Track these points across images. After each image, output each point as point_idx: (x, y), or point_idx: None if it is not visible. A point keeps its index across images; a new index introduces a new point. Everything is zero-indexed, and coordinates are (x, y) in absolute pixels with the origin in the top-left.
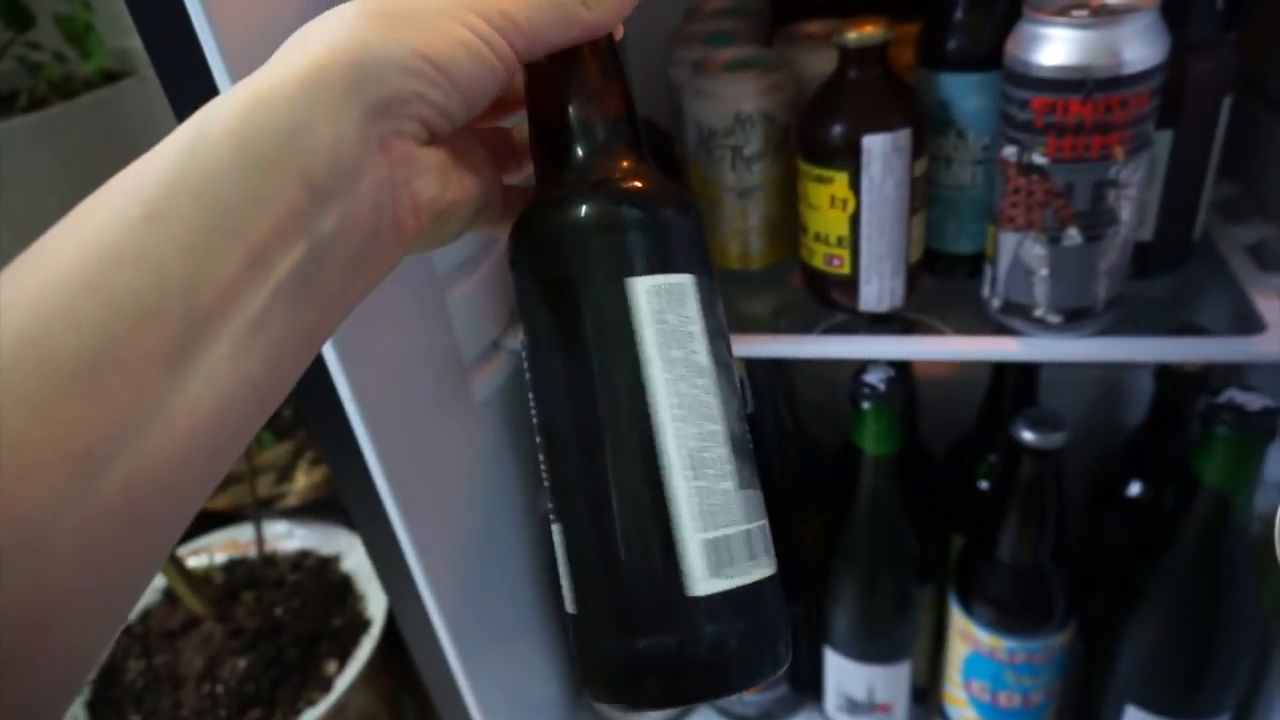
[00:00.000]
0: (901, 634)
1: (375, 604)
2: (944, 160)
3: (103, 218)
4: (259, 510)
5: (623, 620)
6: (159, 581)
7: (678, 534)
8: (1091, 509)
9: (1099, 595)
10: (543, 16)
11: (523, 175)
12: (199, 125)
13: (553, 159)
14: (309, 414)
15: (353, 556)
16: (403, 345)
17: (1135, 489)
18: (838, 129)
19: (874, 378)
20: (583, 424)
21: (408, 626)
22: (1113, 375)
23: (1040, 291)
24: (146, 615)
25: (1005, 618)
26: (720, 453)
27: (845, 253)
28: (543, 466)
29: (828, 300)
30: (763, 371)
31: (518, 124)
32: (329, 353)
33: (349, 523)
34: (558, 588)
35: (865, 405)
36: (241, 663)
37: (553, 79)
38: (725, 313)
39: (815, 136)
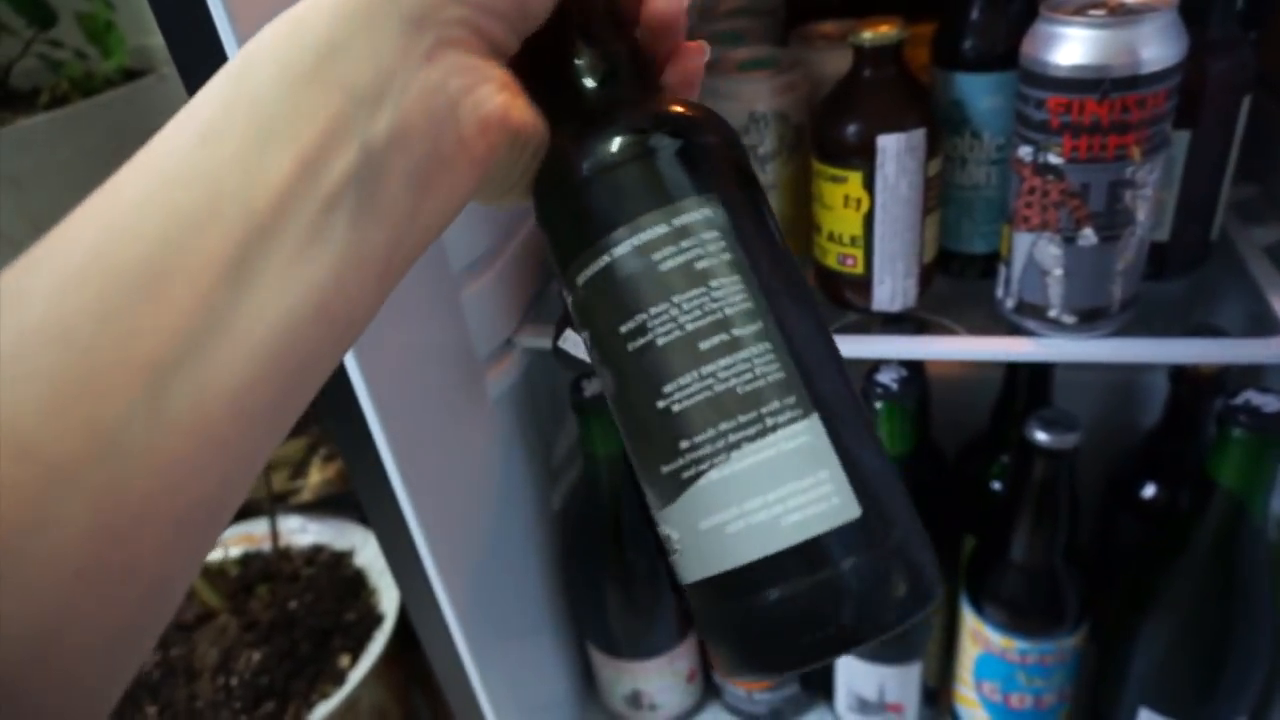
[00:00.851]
0: (912, 634)
1: (388, 599)
2: (959, 160)
3: (162, 148)
4: (273, 505)
5: (774, 565)
6: None
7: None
8: (1106, 511)
9: (1112, 597)
10: None
11: None
12: (244, 54)
13: (566, 93)
14: (324, 409)
15: (366, 552)
16: (417, 342)
17: (1150, 491)
18: (852, 128)
19: (887, 377)
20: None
21: (420, 621)
22: (1128, 377)
23: (1055, 292)
24: None
25: (1017, 619)
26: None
27: (859, 252)
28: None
29: (841, 300)
30: None
31: None
32: None
33: (362, 518)
34: (569, 583)
35: (878, 405)
36: (256, 655)
37: (564, 10)
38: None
39: (829, 136)
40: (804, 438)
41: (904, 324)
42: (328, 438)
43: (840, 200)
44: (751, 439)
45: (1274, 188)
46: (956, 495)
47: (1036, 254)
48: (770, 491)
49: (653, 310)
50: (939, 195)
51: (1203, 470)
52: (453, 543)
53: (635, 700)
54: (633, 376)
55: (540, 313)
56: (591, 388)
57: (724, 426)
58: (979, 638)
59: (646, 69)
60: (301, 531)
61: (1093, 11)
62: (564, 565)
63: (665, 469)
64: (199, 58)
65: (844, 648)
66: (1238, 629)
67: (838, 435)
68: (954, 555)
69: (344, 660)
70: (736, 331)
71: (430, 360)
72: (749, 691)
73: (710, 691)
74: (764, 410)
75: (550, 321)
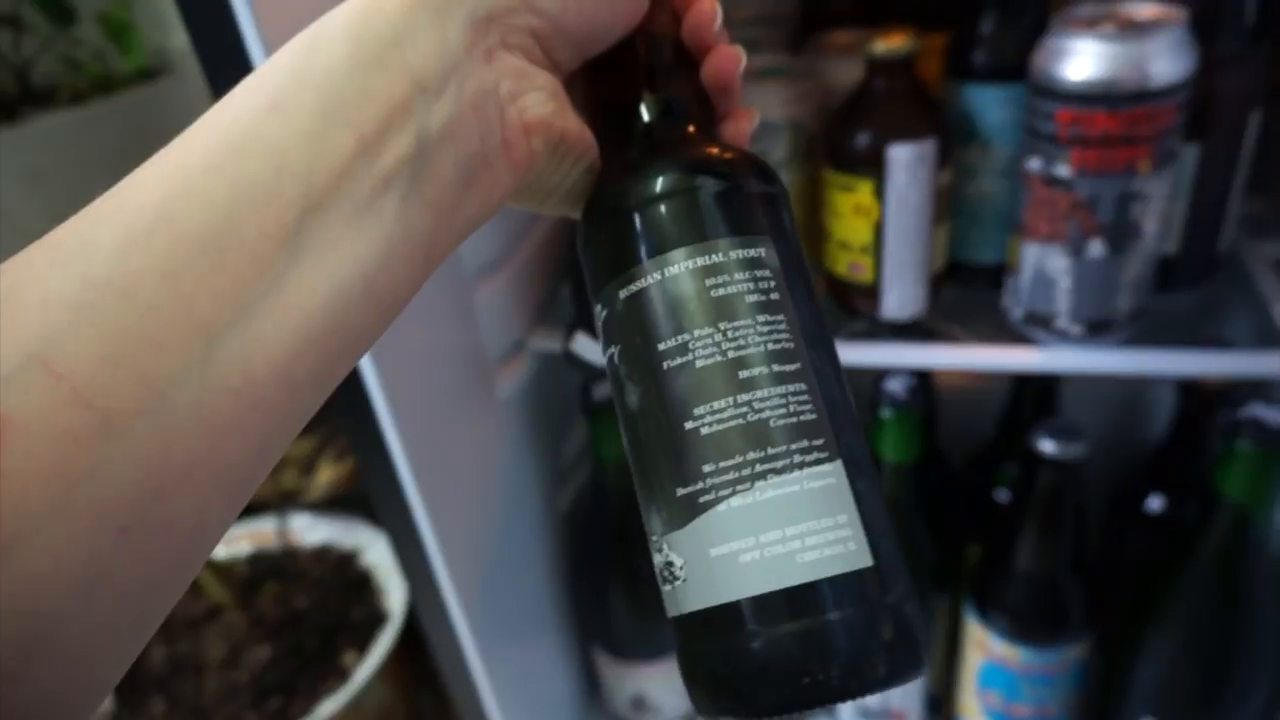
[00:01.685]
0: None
1: (394, 598)
2: (969, 171)
3: (232, 111)
4: (283, 503)
5: (763, 605)
6: None
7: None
8: (1112, 522)
9: (1117, 609)
10: None
11: None
12: (317, 29)
13: (626, 125)
14: (337, 407)
15: (373, 551)
16: (431, 342)
17: (1156, 503)
18: (864, 138)
19: (895, 385)
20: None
21: (428, 619)
22: (1135, 388)
23: (1062, 303)
24: None
25: (1021, 628)
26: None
27: (868, 260)
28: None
29: (850, 307)
30: None
31: None
32: None
33: (371, 517)
34: (575, 585)
35: (886, 413)
36: (263, 652)
37: (639, 42)
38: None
39: (841, 145)
40: (829, 479)
41: (912, 332)
42: (337, 436)
43: (851, 209)
44: (779, 471)
45: None
46: (962, 503)
47: (1045, 265)
48: (789, 526)
49: (698, 332)
50: (949, 205)
51: (1208, 482)
52: (461, 541)
53: (639, 703)
54: (662, 394)
55: (551, 316)
56: (600, 392)
57: (752, 455)
58: (983, 646)
59: (709, 113)
60: (310, 530)
61: (1103, 26)
62: (570, 567)
63: (682, 491)
64: (223, 58)
65: (828, 698)
66: (1242, 641)
67: (857, 484)
68: (958, 564)
69: (350, 658)
70: (778, 367)
71: (442, 361)
72: None
73: None
74: (794, 446)
75: (561, 325)
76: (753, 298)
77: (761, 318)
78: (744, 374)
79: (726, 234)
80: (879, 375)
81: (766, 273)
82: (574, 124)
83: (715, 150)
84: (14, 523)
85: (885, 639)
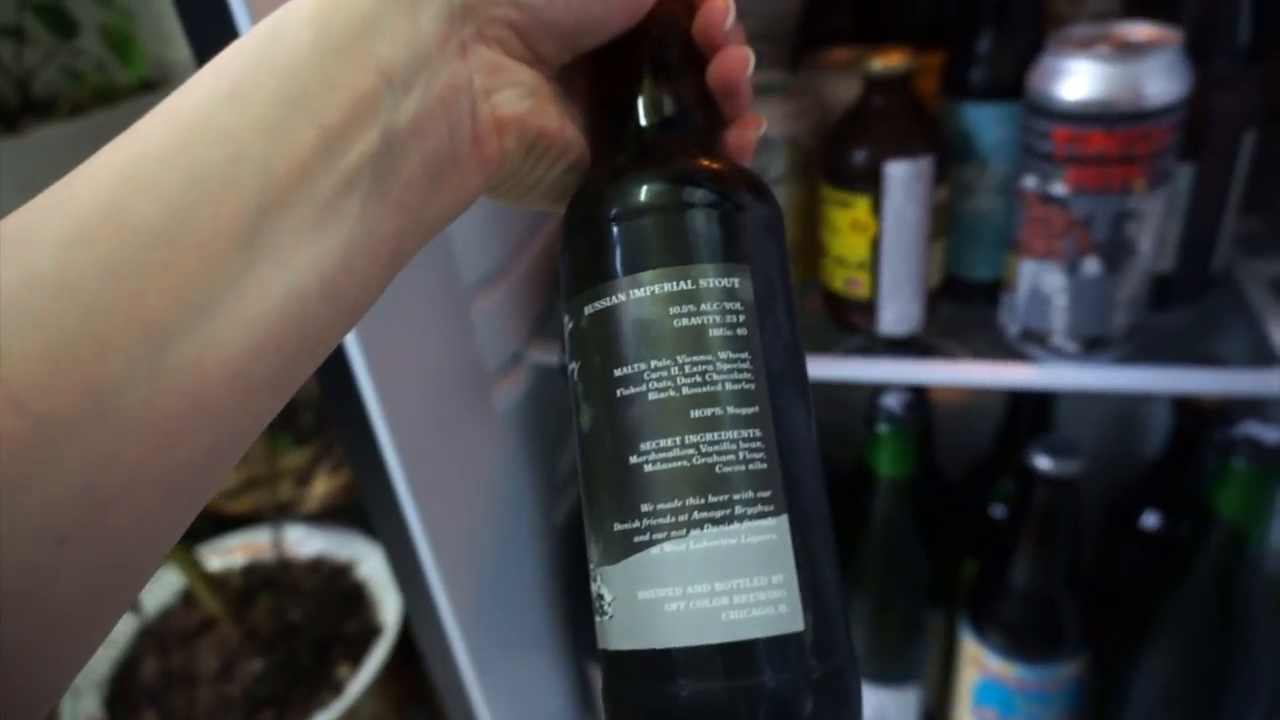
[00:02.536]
0: (912, 658)
1: (389, 611)
2: (965, 188)
3: (190, 98)
4: (277, 515)
5: (692, 658)
6: (177, 582)
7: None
8: (1107, 540)
9: (1112, 626)
10: None
11: None
12: (282, 14)
13: (621, 128)
14: (334, 418)
15: (368, 563)
16: (428, 354)
17: (1151, 521)
18: (861, 155)
19: (891, 401)
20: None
21: (422, 631)
22: (1130, 406)
23: (1058, 320)
24: (164, 615)
25: (1017, 644)
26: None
27: (865, 276)
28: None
29: (846, 323)
30: None
31: None
32: (355, 358)
33: (366, 530)
34: (570, 599)
35: (882, 428)
36: (256, 664)
37: (640, 39)
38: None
39: (839, 161)
40: (768, 535)
41: (908, 348)
42: (333, 448)
43: (848, 225)
44: (716, 522)
45: (1277, 221)
46: (958, 519)
47: (1040, 282)
48: (719, 581)
49: (654, 363)
50: (945, 222)
51: (1203, 500)
52: (456, 554)
53: None
54: (612, 422)
55: (548, 329)
56: None
57: (691, 501)
58: (978, 662)
59: (712, 118)
60: (305, 542)
61: (1099, 47)
62: (565, 580)
63: (618, 527)
64: None
65: None
66: (1237, 659)
67: (802, 543)
68: (954, 580)
69: (343, 671)
70: (731, 409)
71: (439, 373)
72: None
73: None
74: (736, 497)
75: (558, 337)
76: (717, 332)
77: (724, 354)
78: (696, 413)
79: (701, 259)
80: (875, 390)
81: (737, 305)
82: (553, 121)
83: (703, 164)
84: None
85: (807, 709)
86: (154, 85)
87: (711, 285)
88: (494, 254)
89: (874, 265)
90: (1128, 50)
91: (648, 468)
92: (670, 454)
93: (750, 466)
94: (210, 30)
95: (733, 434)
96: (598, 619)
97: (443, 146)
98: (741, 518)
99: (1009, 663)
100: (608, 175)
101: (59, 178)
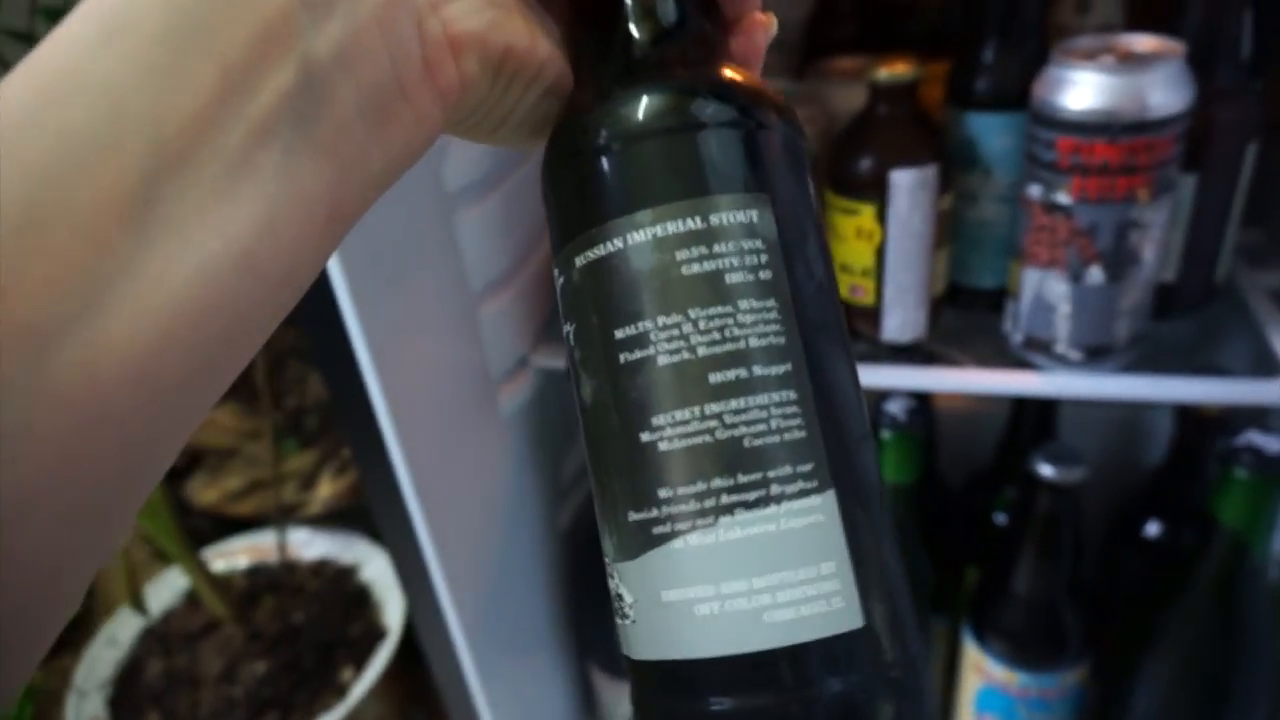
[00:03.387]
0: None
1: (392, 614)
2: (970, 196)
3: (55, 47)
4: (282, 517)
5: (730, 668)
6: (181, 583)
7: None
8: (1109, 548)
9: (1114, 634)
10: None
11: None
12: None
13: (605, 45)
14: (341, 421)
15: (372, 566)
16: (435, 358)
17: (1153, 529)
18: (866, 163)
19: (895, 407)
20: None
21: (426, 634)
22: (1133, 414)
23: (1062, 328)
24: (168, 616)
25: (1019, 651)
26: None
27: (870, 283)
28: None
29: (851, 330)
30: None
31: None
32: (364, 361)
33: (370, 533)
34: (573, 603)
35: (885, 435)
36: (260, 667)
37: None
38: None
39: (844, 169)
40: (814, 516)
41: (912, 355)
42: (337, 451)
43: (853, 232)
44: (749, 505)
45: (1279, 232)
46: (961, 526)
47: (1044, 290)
48: (758, 576)
49: (661, 320)
50: (950, 230)
51: (1205, 509)
52: (461, 557)
53: None
54: (617, 393)
55: (555, 333)
56: None
57: (718, 483)
58: (980, 670)
59: (713, 23)
60: (309, 544)
61: (1103, 58)
62: (569, 584)
63: (634, 516)
64: None
65: None
66: (1238, 668)
67: (853, 522)
68: (956, 587)
69: (347, 674)
70: (759, 370)
71: (446, 377)
72: None
73: None
74: (772, 474)
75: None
76: (736, 277)
77: (745, 303)
78: (716, 377)
79: (711, 190)
80: (879, 397)
81: (759, 243)
82: (521, 36)
83: (709, 76)
84: None
85: (870, 718)
86: None
87: (726, 221)
88: (502, 258)
89: (878, 273)
90: (1132, 61)
91: (663, 445)
92: (689, 428)
93: (786, 436)
94: None
95: (763, 398)
96: (618, 622)
97: (383, 77)
98: (779, 498)
99: (1011, 670)
100: (593, 97)
101: None
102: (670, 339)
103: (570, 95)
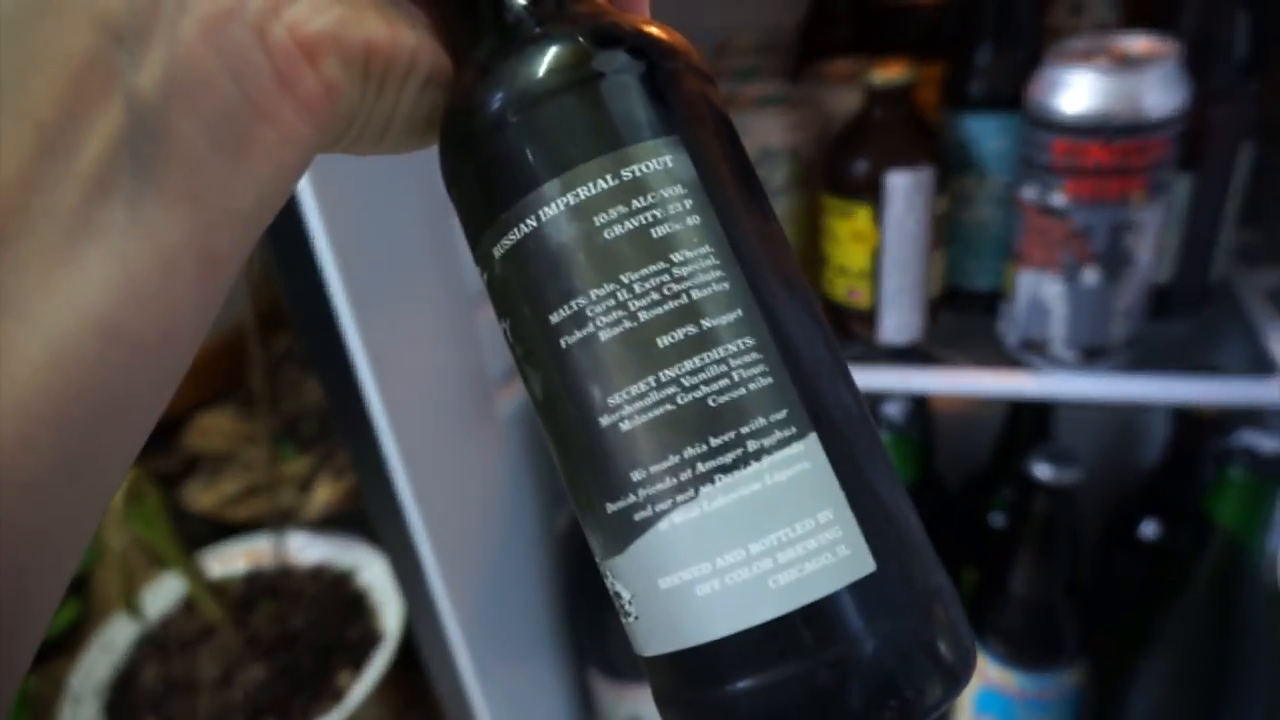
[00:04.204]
0: None
1: (390, 619)
2: (965, 198)
3: None
4: (279, 522)
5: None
6: (178, 588)
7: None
8: (1106, 549)
9: (1112, 635)
10: None
11: None
12: None
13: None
14: (339, 425)
15: (369, 571)
16: (432, 362)
17: (1149, 530)
18: (862, 165)
19: (892, 409)
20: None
21: (425, 638)
22: (1129, 415)
23: (1057, 329)
24: (165, 622)
25: (1016, 652)
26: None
27: (866, 286)
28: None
29: (847, 332)
30: None
31: None
32: (361, 364)
33: (367, 537)
34: (572, 607)
35: (882, 437)
36: (257, 671)
37: None
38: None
39: (840, 172)
40: (800, 465)
41: (909, 357)
42: (335, 455)
43: (849, 235)
44: (729, 469)
45: (1274, 233)
46: (958, 528)
47: (1040, 292)
48: (755, 541)
49: (594, 293)
50: (946, 232)
51: (1202, 509)
52: (459, 561)
53: None
54: (567, 382)
55: None
56: None
57: (691, 452)
58: (978, 670)
59: None
60: (306, 549)
61: (1097, 59)
62: (567, 588)
63: (611, 507)
64: None
65: None
66: (1235, 668)
67: (844, 461)
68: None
69: (344, 678)
70: (708, 321)
71: (444, 381)
72: None
73: None
74: (746, 430)
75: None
76: (663, 229)
77: (678, 255)
78: (665, 340)
79: (613, 145)
80: (876, 400)
81: (678, 189)
82: (379, 29)
83: (583, 25)
84: None
85: (914, 658)
86: None
87: (639, 173)
88: None
89: (875, 275)
90: (1126, 63)
91: (624, 425)
92: (647, 400)
93: (752, 386)
94: None
95: (718, 351)
96: (623, 621)
97: (228, 101)
98: (759, 454)
99: (1009, 671)
100: (473, 78)
101: None
102: (608, 310)
103: (453, 81)
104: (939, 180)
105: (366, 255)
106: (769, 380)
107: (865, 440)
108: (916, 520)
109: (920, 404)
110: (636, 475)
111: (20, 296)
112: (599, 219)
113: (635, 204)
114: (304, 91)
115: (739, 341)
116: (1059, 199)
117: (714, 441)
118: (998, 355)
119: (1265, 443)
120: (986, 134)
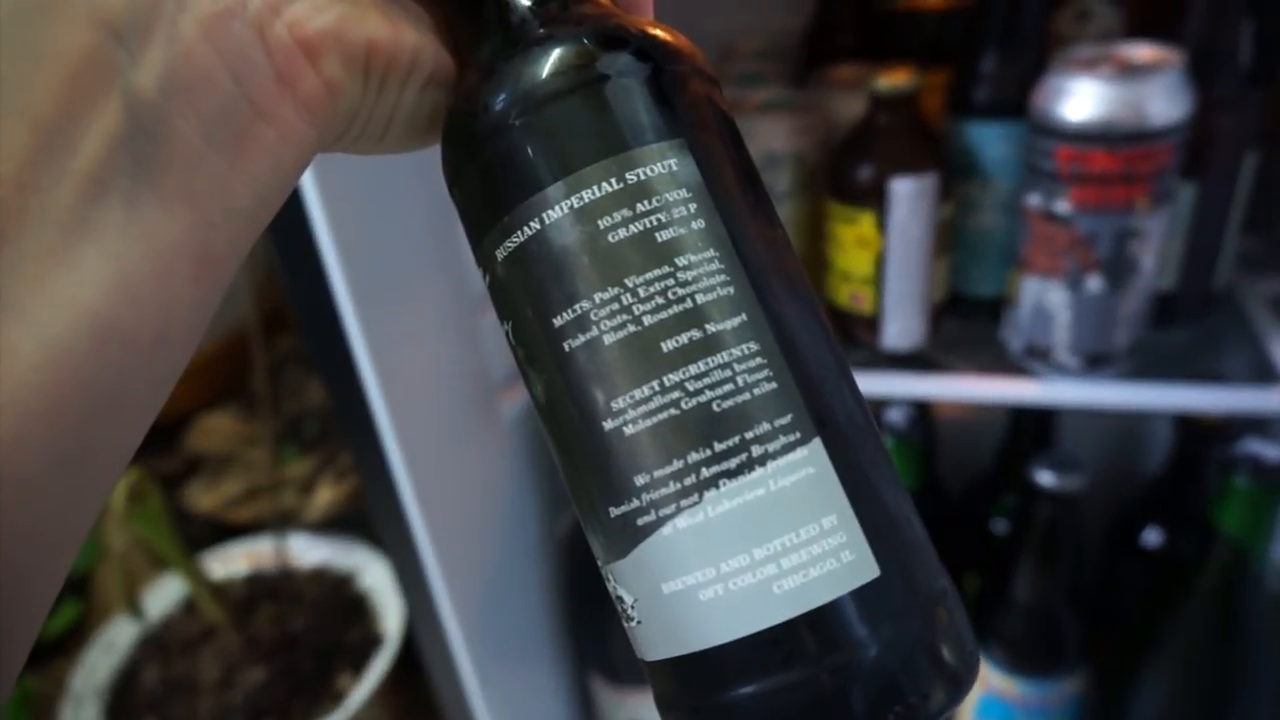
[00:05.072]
0: None
1: (391, 621)
2: (969, 205)
3: None
4: (281, 524)
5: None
6: (179, 589)
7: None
8: (1108, 556)
9: (1114, 642)
10: None
11: None
12: None
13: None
14: (342, 427)
15: (370, 573)
16: (436, 365)
17: (1153, 537)
18: (867, 171)
19: (895, 416)
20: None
21: (426, 641)
22: (1132, 422)
23: (1061, 336)
24: (166, 623)
25: (1018, 659)
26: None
27: (869, 291)
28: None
29: (850, 338)
30: None
31: None
32: (365, 367)
33: (369, 539)
34: (573, 610)
35: (885, 443)
36: (257, 673)
37: None
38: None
39: (845, 177)
40: (804, 470)
41: (912, 363)
42: (336, 457)
43: (853, 240)
44: (733, 474)
45: (1278, 241)
46: (960, 534)
47: (1044, 299)
48: (759, 546)
49: (598, 297)
50: (949, 238)
51: (1205, 517)
52: (461, 564)
53: None
54: (570, 385)
55: None
56: None
57: (695, 457)
58: (980, 677)
59: None
60: (307, 551)
61: (1102, 67)
62: (569, 592)
63: (615, 511)
64: None
65: None
66: (1238, 675)
67: (848, 466)
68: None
69: (345, 681)
70: (712, 326)
71: (447, 383)
72: None
73: None
74: (750, 435)
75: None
76: (667, 234)
77: (683, 259)
78: (669, 344)
79: (618, 148)
80: (879, 405)
81: (683, 193)
82: (380, 27)
83: (588, 27)
84: None
85: (918, 663)
86: None
87: (644, 176)
88: None
89: (878, 281)
90: (1131, 71)
91: (628, 430)
92: (651, 405)
93: (756, 391)
94: None
95: (723, 356)
96: (625, 625)
97: (228, 100)
98: (763, 458)
99: (1011, 678)
100: (477, 79)
101: None
102: (612, 314)
103: (456, 82)
104: (943, 186)
105: (370, 256)
106: (773, 385)
107: (869, 445)
108: (920, 525)
109: (923, 410)
110: (640, 480)
111: (15, 295)
112: (603, 222)
113: (640, 207)
114: (304, 90)
115: (743, 346)
116: (1063, 206)
117: (718, 446)
118: (1001, 362)
119: (1269, 450)
120: (991, 140)
